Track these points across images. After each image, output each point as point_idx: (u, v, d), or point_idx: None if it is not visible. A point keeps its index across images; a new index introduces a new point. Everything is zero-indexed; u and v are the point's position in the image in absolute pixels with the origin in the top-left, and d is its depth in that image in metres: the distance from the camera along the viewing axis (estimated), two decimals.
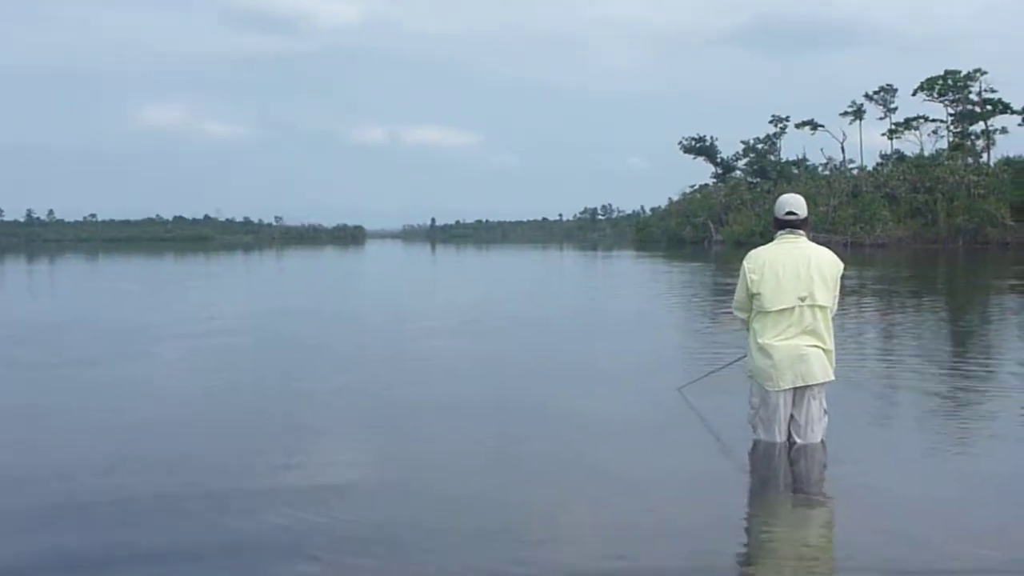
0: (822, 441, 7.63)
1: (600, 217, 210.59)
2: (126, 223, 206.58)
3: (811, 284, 7.47)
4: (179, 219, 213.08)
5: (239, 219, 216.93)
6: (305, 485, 6.98)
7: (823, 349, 7.54)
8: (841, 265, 7.72)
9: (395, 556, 5.50)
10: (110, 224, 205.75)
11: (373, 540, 5.77)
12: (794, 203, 7.80)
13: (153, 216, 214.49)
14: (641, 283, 37.02)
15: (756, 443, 7.72)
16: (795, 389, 7.54)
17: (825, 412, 7.68)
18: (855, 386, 10.75)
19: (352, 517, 6.23)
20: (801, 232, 7.73)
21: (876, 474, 7.16)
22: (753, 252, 7.86)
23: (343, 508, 6.39)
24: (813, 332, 7.49)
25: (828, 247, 7.95)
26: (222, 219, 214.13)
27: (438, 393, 11.16)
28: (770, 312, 7.51)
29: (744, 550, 5.76)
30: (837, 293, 7.69)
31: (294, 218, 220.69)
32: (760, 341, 7.59)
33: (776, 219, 7.81)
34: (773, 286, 7.51)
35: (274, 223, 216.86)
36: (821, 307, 7.49)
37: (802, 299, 7.45)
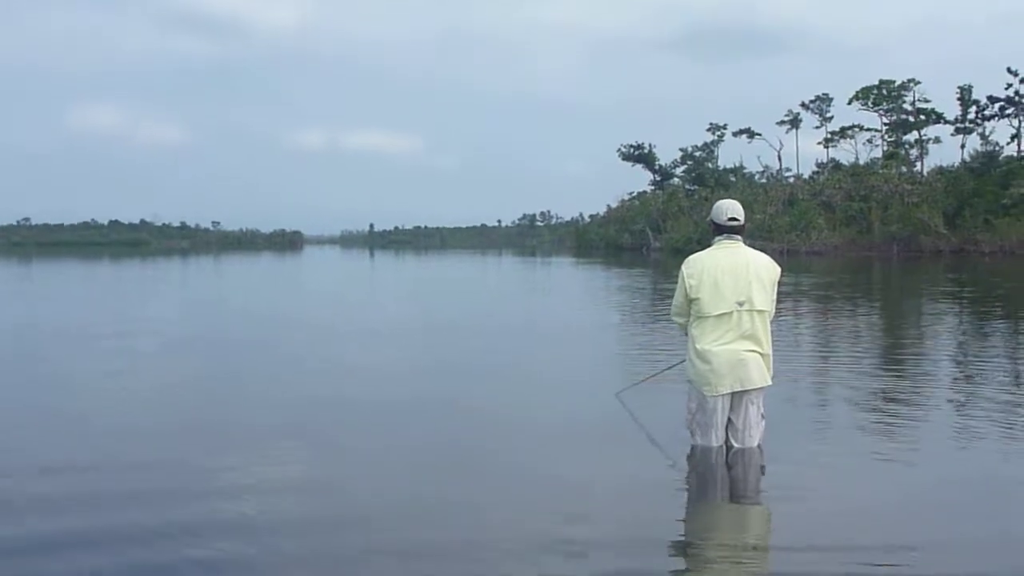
0: (759, 445, 7.64)
1: (539, 223, 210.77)
2: (61, 227, 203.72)
3: (749, 289, 7.48)
4: (115, 223, 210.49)
5: (176, 224, 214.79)
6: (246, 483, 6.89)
7: (761, 354, 7.55)
8: (778, 270, 7.75)
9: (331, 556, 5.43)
10: (44, 228, 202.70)
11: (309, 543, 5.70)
12: (735, 209, 7.81)
13: (89, 220, 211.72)
14: (580, 289, 37.10)
15: (693, 447, 7.71)
16: (733, 394, 7.54)
17: (763, 416, 7.70)
18: (792, 390, 10.82)
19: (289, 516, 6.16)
20: (738, 237, 7.74)
21: (812, 478, 7.18)
22: (692, 257, 7.85)
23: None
24: (751, 337, 7.50)
25: (766, 254, 7.96)
26: (159, 224, 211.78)
27: (374, 396, 11.13)
28: (709, 317, 7.51)
29: (679, 555, 5.74)
30: (775, 297, 7.71)
31: (232, 223, 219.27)
32: (698, 346, 7.58)
33: (716, 224, 7.80)
34: (712, 291, 7.50)
35: (211, 228, 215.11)
36: (759, 311, 7.50)
37: (740, 304, 7.46)
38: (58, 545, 5.75)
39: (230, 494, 6.85)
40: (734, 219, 7.74)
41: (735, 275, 7.50)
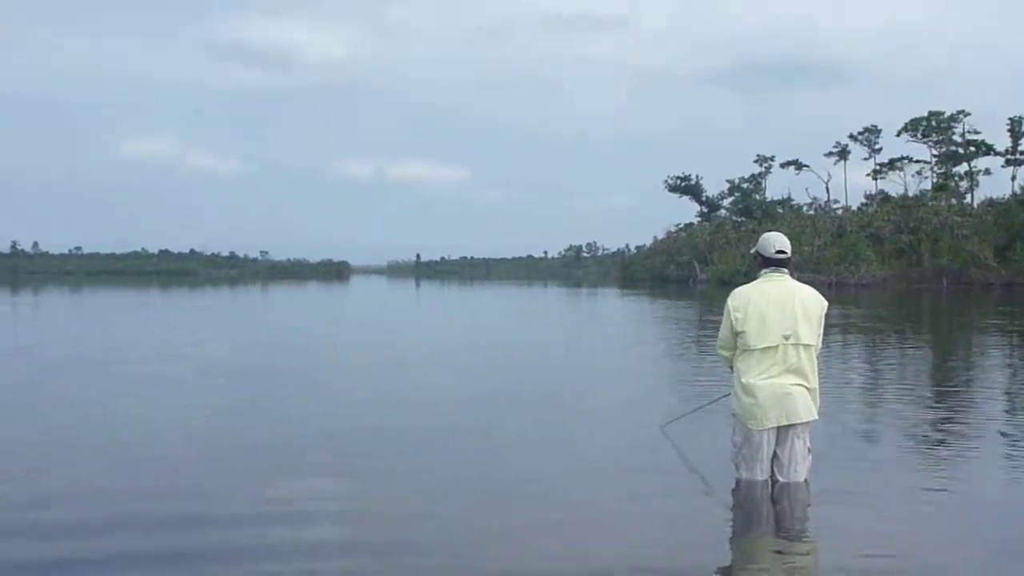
0: (805, 480, 7.58)
1: (585, 255, 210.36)
2: (112, 256, 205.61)
3: (795, 322, 7.44)
4: (164, 253, 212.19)
5: (224, 253, 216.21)
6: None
7: (807, 388, 7.50)
8: (825, 303, 7.69)
9: None
10: (95, 257, 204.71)
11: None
12: (783, 242, 7.78)
13: (139, 249, 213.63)
14: (627, 321, 37.02)
15: (738, 482, 7.67)
16: (779, 428, 7.49)
17: (809, 451, 7.64)
18: (840, 422, 10.75)
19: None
20: (785, 271, 7.72)
21: (859, 514, 7.10)
22: (737, 290, 7.83)
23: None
24: (797, 371, 7.45)
25: (812, 286, 7.93)
26: (207, 253, 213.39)
27: (423, 425, 11.19)
28: (754, 350, 7.48)
29: None
30: (821, 331, 7.66)
31: (279, 253, 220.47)
32: (744, 380, 7.55)
33: (762, 257, 7.78)
34: (758, 324, 7.47)
35: (259, 258, 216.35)
36: (805, 345, 7.46)
37: (786, 337, 7.41)
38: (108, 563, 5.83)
39: (277, 519, 6.96)
40: (781, 251, 7.71)
41: (781, 308, 7.47)
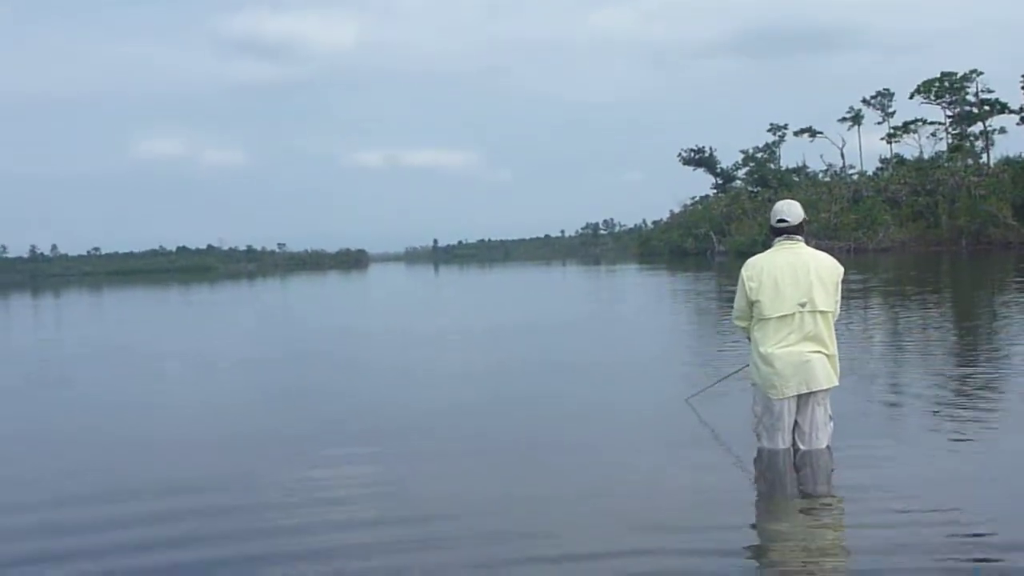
0: (828, 447, 7.61)
1: (602, 232, 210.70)
2: (130, 255, 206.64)
3: (811, 289, 7.45)
4: (182, 249, 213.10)
5: (242, 247, 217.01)
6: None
7: (826, 355, 7.51)
8: (841, 269, 7.70)
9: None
10: (114, 257, 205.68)
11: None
12: (784, 210, 7.78)
13: (156, 247, 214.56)
14: (646, 294, 37.05)
15: (760, 451, 7.72)
16: (799, 396, 7.52)
17: (831, 418, 7.65)
18: (862, 387, 10.79)
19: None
20: (798, 238, 7.72)
21: (883, 478, 7.13)
22: (751, 260, 7.87)
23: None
24: (815, 338, 7.47)
25: (831, 253, 7.95)
26: (225, 248, 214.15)
27: (454, 400, 11.82)
28: (770, 319, 7.51)
29: (748, 558, 5.76)
30: (839, 297, 7.68)
31: (297, 244, 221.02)
32: (762, 349, 7.57)
33: (771, 227, 7.83)
34: (772, 293, 7.50)
35: (277, 250, 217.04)
36: (822, 312, 7.47)
37: (802, 305, 7.44)
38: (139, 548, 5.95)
39: (313, 497, 7.12)
40: (783, 220, 7.72)
41: (795, 276, 7.49)
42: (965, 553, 5.50)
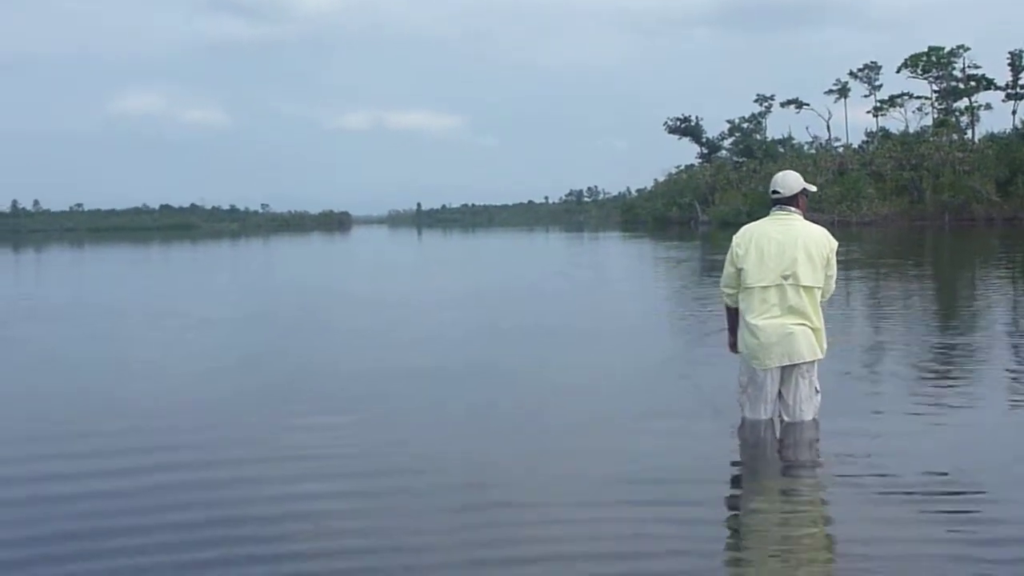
0: (814, 419, 7.59)
1: (586, 199, 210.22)
2: (112, 212, 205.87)
3: (795, 264, 7.38)
4: (166, 208, 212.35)
5: (225, 207, 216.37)
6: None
7: (810, 327, 7.46)
8: (833, 244, 7.57)
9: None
10: (96, 213, 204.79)
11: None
12: (779, 181, 7.74)
13: (139, 205, 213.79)
14: (629, 261, 37.10)
15: (744, 420, 7.71)
16: (783, 368, 7.51)
17: (817, 391, 7.61)
18: (847, 359, 10.79)
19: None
20: (791, 209, 7.64)
21: (867, 448, 7.14)
22: (744, 227, 7.85)
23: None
24: (798, 311, 7.41)
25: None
26: (208, 207, 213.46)
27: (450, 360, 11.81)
28: (754, 288, 7.46)
29: (724, 528, 5.78)
30: (833, 272, 7.59)
31: (280, 205, 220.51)
32: (747, 319, 7.54)
33: (770, 196, 7.80)
34: (756, 262, 7.45)
35: (260, 211, 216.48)
36: (807, 287, 7.40)
37: (785, 278, 7.40)
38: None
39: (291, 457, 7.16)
40: (775, 192, 7.70)
41: (781, 248, 7.42)
42: (955, 524, 5.55)
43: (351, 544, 5.49)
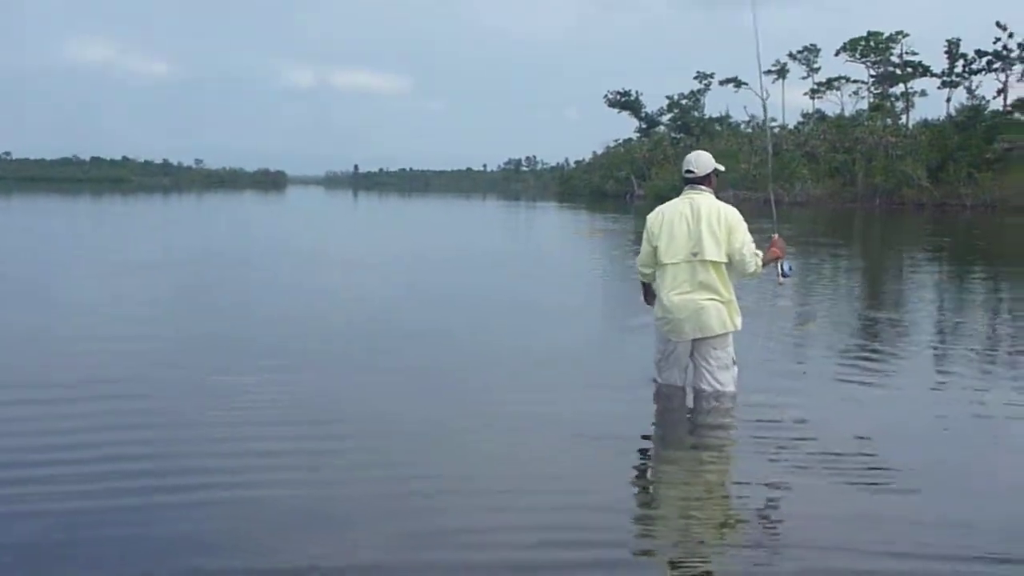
0: (732, 391, 7.75)
1: (524, 168, 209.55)
2: (41, 162, 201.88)
3: (701, 240, 7.61)
4: (97, 160, 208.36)
5: (158, 161, 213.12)
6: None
7: (721, 301, 7.67)
8: (737, 218, 7.70)
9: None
10: (25, 163, 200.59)
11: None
12: (692, 160, 7.99)
13: (70, 156, 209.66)
14: (564, 232, 37.26)
15: (659, 388, 7.93)
16: (695, 340, 7.72)
17: (734, 362, 7.81)
18: (770, 336, 11.03)
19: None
20: (702, 188, 7.87)
21: (785, 417, 7.32)
22: (658, 207, 8.08)
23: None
24: (708, 286, 7.64)
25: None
26: (141, 160, 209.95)
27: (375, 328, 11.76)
28: (667, 265, 7.72)
29: (636, 494, 5.95)
30: (743, 245, 7.66)
31: (215, 161, 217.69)
32: (661, 295, 7.79)
33: (682, 176, 8.00)
34: (667, 239, 7.73)
35: (194, 166, 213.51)
36: (713, 263, 7.62)
37: (694, 254, 7.62)
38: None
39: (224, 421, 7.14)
40: (689, 172, 7.94)
41: (688, 226, 7.69)
42: (867, 488, 5.73)
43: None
